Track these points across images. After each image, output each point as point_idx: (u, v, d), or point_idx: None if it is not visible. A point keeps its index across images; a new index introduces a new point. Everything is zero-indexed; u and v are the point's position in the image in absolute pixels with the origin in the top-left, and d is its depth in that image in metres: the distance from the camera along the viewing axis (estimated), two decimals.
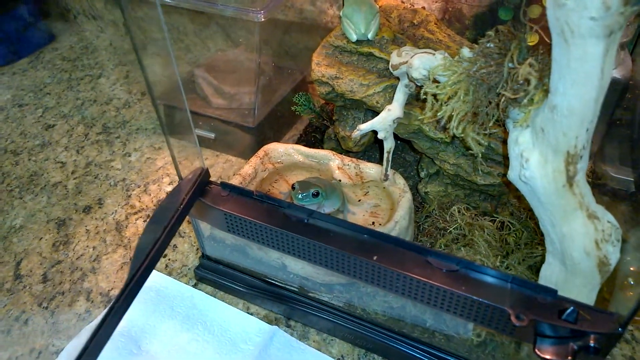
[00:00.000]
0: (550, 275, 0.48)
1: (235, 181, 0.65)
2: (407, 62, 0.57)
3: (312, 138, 0.85)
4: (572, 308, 0.40)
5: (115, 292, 0.66)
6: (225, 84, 0.87)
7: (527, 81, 0.41)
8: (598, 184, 0.75)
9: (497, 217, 0.63)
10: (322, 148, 0.82)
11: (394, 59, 0.59)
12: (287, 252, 0.51)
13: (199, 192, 0.54)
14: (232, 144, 0.87)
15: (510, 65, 0.43)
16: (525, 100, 0.42)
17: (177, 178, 0.54)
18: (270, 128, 0.87)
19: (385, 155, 0.64)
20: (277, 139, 0.90)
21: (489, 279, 0.43)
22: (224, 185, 0.54)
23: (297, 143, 0.85)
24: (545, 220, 0.46)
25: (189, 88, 0.93)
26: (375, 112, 0.66)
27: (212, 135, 0.87)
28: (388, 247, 0.47)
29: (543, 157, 0.43)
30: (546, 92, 0.40)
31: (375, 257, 0.46)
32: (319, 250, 0.49)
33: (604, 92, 0.38)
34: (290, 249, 0.51)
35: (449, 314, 0.45)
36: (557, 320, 0.40)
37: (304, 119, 0.86)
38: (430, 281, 0.44)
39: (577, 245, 0.44)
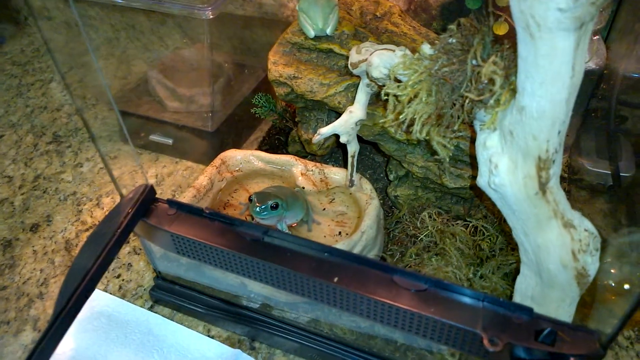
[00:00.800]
0: (525, 288, 0.44)
1: (188, 194, 0.60)
2: (366, 60, 0.52)
3: (276, 141, 0.80)
4: (549, 329, 0.36)
5: None
6: (181, 85, 0.81)
7: (492, 80, 0.37)
8: (575, 179, 0.72)
9: (470, 222, 0.59)
10: (287, 151, 0.77)
11: (353, 56, 0.54)
12: (242, 274, 0.47)
13: (142, 211, 0.48)
14: (191, 150, 0.81)
15: (473, 62, 0.38)
16: (491, 101, 0.38)
17: (133, 188, 0.49)
18: (231, 132, 0.82)
19: (350, 159, 0.60)
20: (239, 142, 0.84)
21: (460, 298, 0.40)
22: (171, 203, 0.49)
23: (260, 146, 0.80)
24: (518, 229, 0.42)
25: (144, 90, 0.87)
26: (338, 113, 0.61)
27: (170, 141, 0.81)
28: (351, 266, 0.43)
29: (513, 162, 0.39)
30: (513, 91, 0.36)
31: (336, 279, 0.42)
32: (276, 272, 0.44)
33: (576, 90, 0.34)
34: (245, 271, 0.46)
35: (418, 336, 0.41)
36: (533, 342, 0.37)
37: (268, 120, 0.81)
38: (397, 304, 0.40)
39: (552, 257, 0.40)
